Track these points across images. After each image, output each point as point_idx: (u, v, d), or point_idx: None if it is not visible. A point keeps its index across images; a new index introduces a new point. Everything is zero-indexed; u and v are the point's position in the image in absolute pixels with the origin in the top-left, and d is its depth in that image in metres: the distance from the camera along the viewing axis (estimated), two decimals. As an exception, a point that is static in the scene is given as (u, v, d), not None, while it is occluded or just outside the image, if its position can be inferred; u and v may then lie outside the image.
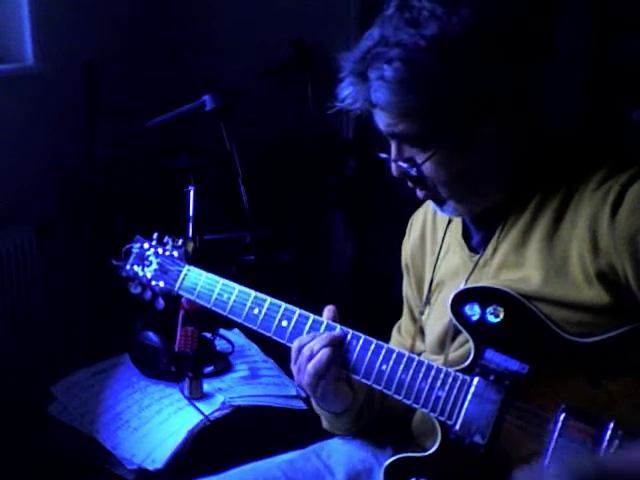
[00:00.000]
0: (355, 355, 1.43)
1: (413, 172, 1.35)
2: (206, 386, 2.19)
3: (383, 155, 1.39)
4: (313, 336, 1.44)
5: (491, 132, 1.32)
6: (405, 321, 1.69)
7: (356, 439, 1.65)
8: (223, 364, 2.35)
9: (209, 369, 2.29)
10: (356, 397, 1.53)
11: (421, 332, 1.60)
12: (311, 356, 1.42)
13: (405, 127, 1.31)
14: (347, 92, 1.32)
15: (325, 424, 1.63)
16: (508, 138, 1.34)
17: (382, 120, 1.33)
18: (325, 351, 1.41)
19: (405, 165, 1.36)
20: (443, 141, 1.31)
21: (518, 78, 1.30)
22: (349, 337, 1.44)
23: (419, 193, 1.42)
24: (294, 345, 1.46)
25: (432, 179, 1.36)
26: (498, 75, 1.28)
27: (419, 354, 1.49)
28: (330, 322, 1.47)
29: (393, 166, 1.38)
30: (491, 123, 1.31)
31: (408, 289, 1.66)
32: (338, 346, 1.43)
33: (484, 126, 1.31)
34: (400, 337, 1.68)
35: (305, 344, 1.44)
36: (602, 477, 1.16)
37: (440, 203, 1.41)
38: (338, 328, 1.46)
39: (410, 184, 1.40)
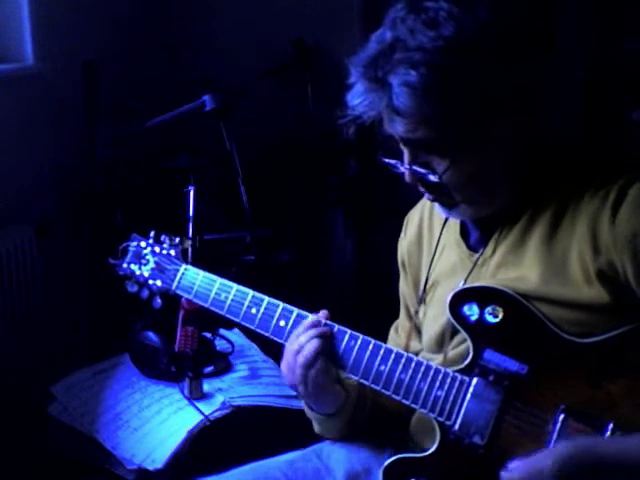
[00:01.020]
0: (354, 355, 1.43)
1: (434, 178, 1.33)
2: (206, 386, 2.19)
3: (390, 161, 1.37)
4: (301, 331, 1.46)
5: (502, 133, 1.31)
6: (402, 320, 1.69)
7: (355, 440, 1.64)
8: (223, 364, 2.35)
9: (209, 369, 2.29)
10: (348, 398, 1.52)
11: (416, 331, 1.60)
12: (300, 349, 1.43)
13: (425, 132, 1.28)
14: (360, 99, 1.29)
15: (316, 428, 1.61)
16: (516, 139, 1.34)
17: (401, 126, 1.29)
18: (312, 342, 1.42)
19: (423, 171, 1.33)
20: (461, 146, 1.30)
21: (528, 77, 1.30)
22: (347, 337, 1.44)
23: (428, 196, 1.41)
24: (286, 345, 1.48)
25: (449, 184, 1.34)
26: (512, 75, 1.27)
27: (416, 354, 1.49)
28: (327, 322, 1.47)
29: (407, 172, 1.36)
30: (502, 124, 1.30)
31: (405, 287, 1.65)
32: (326, 338, 1.44)
33: (496, 127, 1.30)
34: (397, 337, 1.68)
35: (295, 338, 1.45)
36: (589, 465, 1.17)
37: (450, 207, 1.40)
38: (336, 328, 1.46)
39: (422, 189, 1.39)
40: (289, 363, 1.46)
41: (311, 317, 1.48)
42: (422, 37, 1.23)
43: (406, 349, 1.55)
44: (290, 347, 1.46)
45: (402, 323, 1.69)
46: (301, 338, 1.44)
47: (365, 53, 1.29)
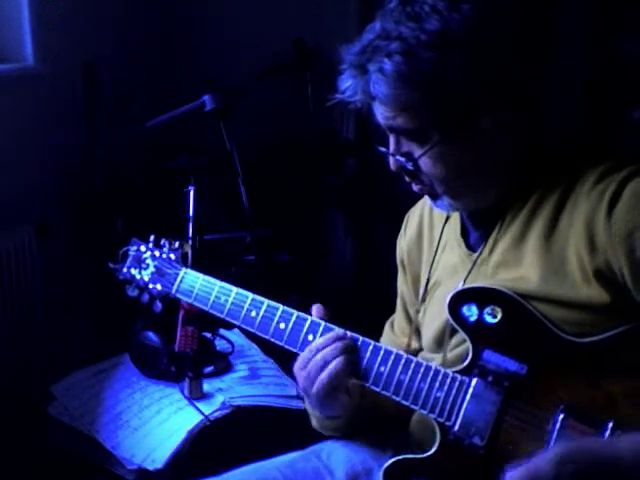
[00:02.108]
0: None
1: (410, 166, 1.36)
2: (206, 386, 2.19)
3: (382, 149, 1.40)
4: (326, 343, 1.42)
5: (489, 130, 1.32)
6: (398, 318, 1.69)
7: (356, 440, 1.64)
8: (223, 364, 2.35)
9: (209, 369, 2.29)
10: (352, 402, 1.50)
11: (416, 330, 1.60)
12: (324, 364, 1.40)
13: (403, 121, 1.32)
14: (347, 84, 1.33)
15: (315, 424, 1.62)
16: (506, 136, 1.35)
17: (381, 113, 1.34)
18: (339, 360, 1.40)
19: (402, 159, 1.37)
20: (440, 136, 1.31)
21: (517, 77, 1.32)
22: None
23: (415, 187, 1.43)
24: (307, 349, 1.43)
25: (428, 174, 1.37)
26: (497, 73, 1.28)
27: (415, 353, 1.49)
28: (328, 324, 1.46)
29: (391, 160, 1.39)
30: (489, 120, 1.31)
31: (404, 286, 1.66)
32: (352, 354, 1.41)
33: (482, 123, 1.31)
34: (392, 334, 1.68)
35: (318, 350, 1.41)
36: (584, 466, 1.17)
37: (435, 198, 1.42)
38: (335, 330, 1.45)
39: (407, 178, 1.41)
40: (310, 374, 1.41)
41: (323, 324, 1.46)
42: (403, 28, 1.27)
43: (407, 348, 1.56)
44: (312, 357, 1.42)
45: (398, 322, 1.69)
46: (326, 352, 1.40)
47: (357, 42, 1.33)
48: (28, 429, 2.23)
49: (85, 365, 2.36)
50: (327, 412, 1.53)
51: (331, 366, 1.39)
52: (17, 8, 2.71)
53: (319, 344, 1.42)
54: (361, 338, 1.43)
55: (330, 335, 1.44)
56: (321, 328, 1.46)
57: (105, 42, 3.02)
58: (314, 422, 1.62)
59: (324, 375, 1.40)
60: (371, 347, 1.42)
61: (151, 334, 2.27)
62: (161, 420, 2.09)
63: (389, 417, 1.59)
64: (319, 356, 1.41)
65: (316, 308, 1.49)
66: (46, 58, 2.76)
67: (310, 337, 1.47)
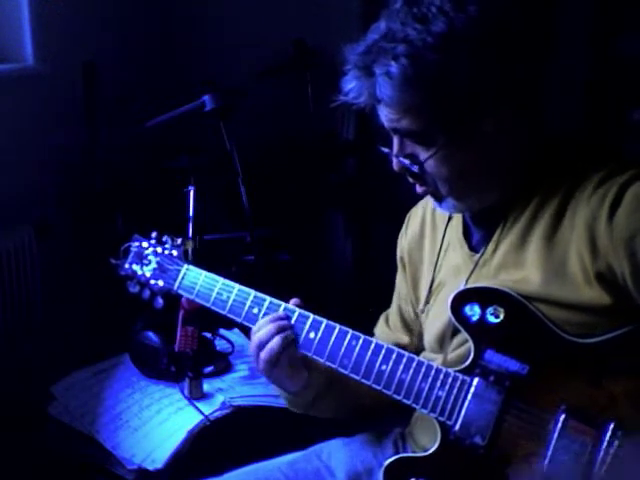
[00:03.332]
0: (355, 355, 1.42)
1: (415, 169, 1.36)
2: (206, 386, 2.19)
3: (385, 150, 1.40)
4: (263, 324, 1.48)
5: (493, 131, 1.32)
6: (393, 314, 1.69)
7: (356, 440, 1.65)
8: (223, 364, 2.35)
9: (209, 369, 2.29)
10: (312, 379, 1.52)
11: (406, 326, 1.63)
12: (260, 344, 1.46)
13: (408, 123, 1.31)
14: (351, 86, 1.32)
15: (285, 402, 1.63)
16: (509, 137, 1.35)
17: (385, 115, 1.34)
18: (275, 340, 1.45)
19: (407, 161, 1.36)
20: (446, 138, 1.31)
21: (521, 77, 1.32)
22: (349, 337, 1.44)
23: (418, 189, 1.43)
24: (253, 329, 1.50)
25: (433, 176, 1.37)
26: (502, 73, 1.29)
27: (417, 352, 1.49)
28: (329, 323, 1.47)
29: (394, 161, 1.39)
30: (493, 121, 1.31)
31: (402, 284, 1.66)
32: (288, 333, 1.46)
33: (486, 124, 1.31)
34: (387, 328, 1.69)
35: (259, 330, 1.48)
36: None
37: (439, 199, 1.42)
38: (338, 327, 1.46)
39: (410, 179, 1.41)
40: (254, 352, 1.48)
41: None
42: (410, 30, 1.26)
43: (410, 345, 1.59)
44: (252, 338, 1.48)
45: (392, 318, 1.70)
46: (261, 333, 1.47)
47: (362, 42, 1.32)
48: (28, 429, 2.23)
49: (85, 365, 2.36)
50: (285, 387, 1.55)
51: (268, 345, 1.45)
52: (17, 8, 2.71)
53: (258, 324, 1.49)
54: (350, 331, 1.45)
55: (269, 316, 1.49)
56: (323, 326, 1.47)
57: (105, 42, 3.02)
58: (284, 400, 1.63)
59: (262, 354, 1.46)
60: (361, 340, 1.43)
61: (151, 334, 2.27)
62: (161, 420, 2.09)
63: (366, 404, 1.60)
64: (255, 336, 1.47)
65: (293, 302, 1.51)
66: (46, 58, 2.77)
67: (312, 335, 1.47)
